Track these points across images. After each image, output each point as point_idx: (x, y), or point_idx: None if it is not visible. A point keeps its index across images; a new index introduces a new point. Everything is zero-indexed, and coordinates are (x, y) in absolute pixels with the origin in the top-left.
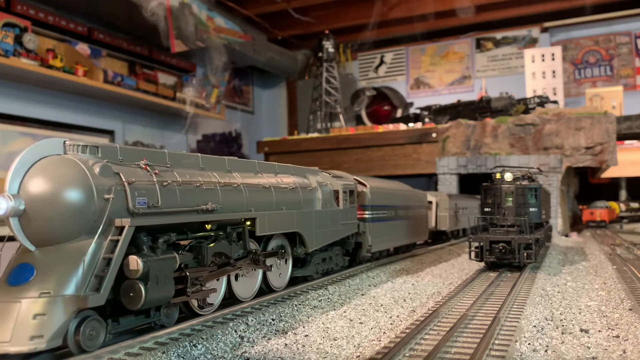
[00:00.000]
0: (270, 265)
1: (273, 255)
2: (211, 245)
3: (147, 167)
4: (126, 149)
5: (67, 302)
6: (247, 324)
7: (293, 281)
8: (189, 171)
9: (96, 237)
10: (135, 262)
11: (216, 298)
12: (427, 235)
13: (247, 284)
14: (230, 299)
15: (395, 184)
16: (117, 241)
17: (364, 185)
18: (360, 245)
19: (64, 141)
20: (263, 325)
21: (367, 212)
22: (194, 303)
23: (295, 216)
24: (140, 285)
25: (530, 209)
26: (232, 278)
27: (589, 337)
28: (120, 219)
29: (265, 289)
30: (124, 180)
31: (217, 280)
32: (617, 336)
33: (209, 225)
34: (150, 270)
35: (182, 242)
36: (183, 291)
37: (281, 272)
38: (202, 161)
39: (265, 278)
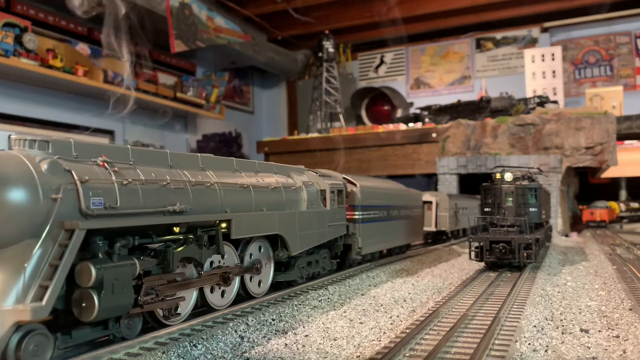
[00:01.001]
0: (250, 277)
1: (247, 271)
2: (179, 249)
3: (105, 165)
4: (82, 144)
5: (4, 316)
6: (247, 324)
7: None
8: (155, 169)
9: (40, 241)
10: (88, 269)
11: (186, 307)
12: (422, 236)
13: (219, 293)
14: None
15: (388, 183)
16: (67, 246)
17: (354, 184)
18: (350, 248)
19: (9, 135)
20: (263, 325)
21: (357, 213)
22: (160, 312)
23: (277, 217)
24: (93, 294)
25: (530, 209)
26: (205, 287)
27: (589, 337)
28: (70, 221)
29: (244, 295)
30: (75, 178)
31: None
32: (617, 336)
33: (177, 228)
34: (104, 278)
35: (151, 246)
36: (147, 300)
37: (261, 277)
38: (172, 158)
39: (243, 284)
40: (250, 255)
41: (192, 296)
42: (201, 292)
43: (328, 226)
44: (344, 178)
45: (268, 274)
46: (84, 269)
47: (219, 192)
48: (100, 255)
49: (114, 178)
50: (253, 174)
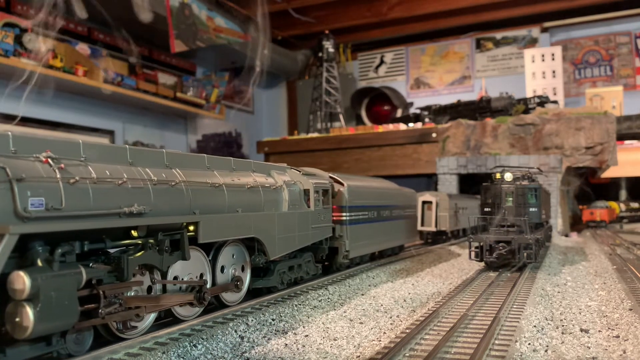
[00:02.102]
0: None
1: (225, 289)
2: (136, 255)
3: (49, 161)
4: (23, 137)
5: None
6: (247, 324)
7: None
8: (111, 167)
9: None
10: (20, 279)
11: (147, 319)
12: (416, 237)
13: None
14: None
15: (379, 182)
16: None
17: (341, 184)
18: (336, 251)
19: None
20: (263, 325)
21: (344, 214)
22: (114, 325)
23: (253, 219)
24: (27, 308)
25: (530, 209)
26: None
27: (589, 337)
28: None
29: (216, 303)
30: (9, 176)
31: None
32: (617, 336)
33: (136, 232)
34: (41, 289)
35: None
36: (110, 311)
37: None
38: (132, 155)
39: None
40: (222, 268)
41: None
42: None
43: (312, 228)
44: (331, 177)
45: (244, 280)
46: (15, 278)
47: (186, 191)
48: (39, 263)
49: (58, 176)
50: (228, 173)
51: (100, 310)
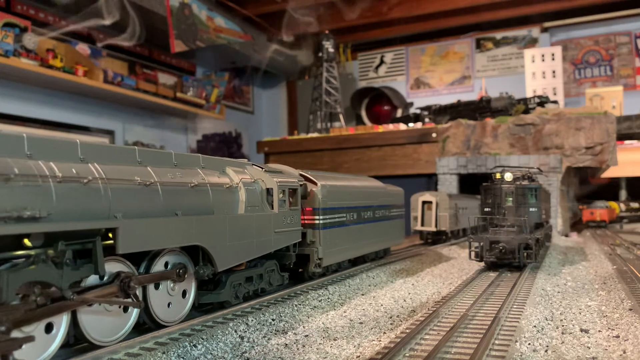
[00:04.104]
0: (140, 302)
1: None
2: (25, 269)
3: None
4: None
5: None
6: (247, 324)
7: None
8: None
9: None
10: None
11: (49, 346)
12: (403, 239)
13: (108, 321)
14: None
15: (360, 181)
16: None
17: (314, 183)
18: (308, 258)
19: None
20: (263, 325)
21: (317, 217)
22: None
23: (196, 224)
24: None
25: (530, 209)
26: (81, 314)
27: (589, 337)
28: None
29: (150, 324)
30: None
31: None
32: (617, 336)
33: (29, 241)
34: None
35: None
36: None
37: (173, 300)
38: (30, 146)
39: (147, 308)
40: (157, 283)
41: (60, 330)
42: (74, 325)
43: (275, 233)
44: (302, 175)
45: (187, 294)
46: None
47: (104, 191)
48: None
49: None
50: (167, 169)
51: None
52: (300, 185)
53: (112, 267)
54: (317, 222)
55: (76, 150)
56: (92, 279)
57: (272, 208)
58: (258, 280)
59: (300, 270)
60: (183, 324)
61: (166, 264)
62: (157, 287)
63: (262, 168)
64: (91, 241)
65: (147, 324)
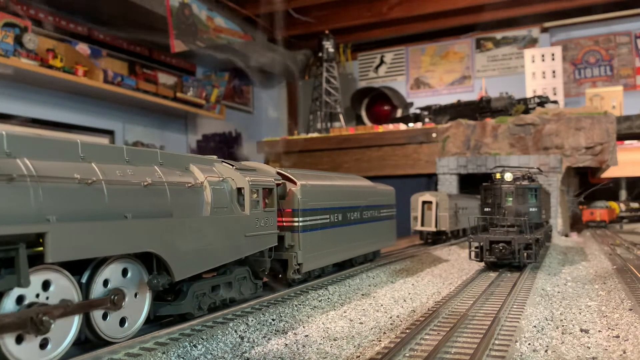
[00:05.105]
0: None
1: (89, 307)
2: None
3: None
4: None
5: None
6: (247, 324)
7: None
8: None
9: None
10: None
11: None
12: (394, 241)
13: (36, 340)
14: None
15: (346, 180)
16: None
17: (294, 182)
18: (286, 264)
19: None
20: (263, 325)
21: (297, 219)
22: None
23: (149, 228)
24: None
25: (530, 209)
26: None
27: (589, 337)
28: None
29: (94, 339)
30: None
31: None
32: (617, 336)
33: None
34: None
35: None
36: None
37: (125, 313)
38: None
39: (89, 323)
40: (106, 281)
41: None
42: None
43: (245, 237)
44: (280, 174)
45: (139, 307)
46: None
47: (33, 190)
48: None
49: None
50: (116, 165)
51: None
52: (278, 184)
53: (41, 277)
54: (296, 224)
55: (1, 144)
56: (10, 305)
57: (244, 210)
58: (226, 289)
59: (280, 276)
60: (183, 324)
61: (105, 282)
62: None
63: (233, 165)
64: (13, 248)
65: (90, 340)
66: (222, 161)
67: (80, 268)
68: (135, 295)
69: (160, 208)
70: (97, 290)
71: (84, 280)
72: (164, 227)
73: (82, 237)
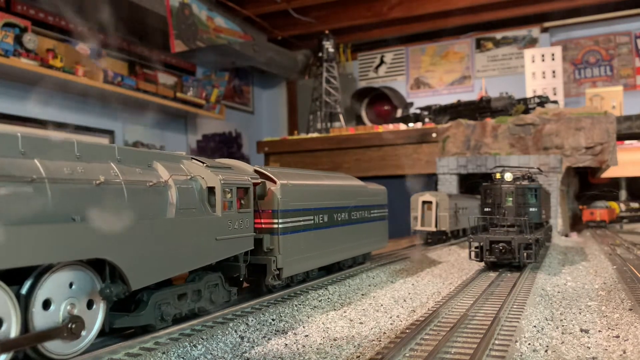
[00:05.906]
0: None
1: (43, 339)
2: None
3: None
4: None
5: None
6: (247, 324)
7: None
8: None
9: None
10: None
11: None
12: (386, 242)
13: None
14: None
15: (333, 179)
16: None
17: (273, 181)
18: (265, 269)
19: None
20: (263, 325)
21: (276, 221)
22: None
23: (101, 232)
24: None
25: (530, 209)
26: None
27: (589, 337)
28: None
29: (37, 357)
30: None
31: None
32: (617, 336)
33: None
34: None
35: None
36: None
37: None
38: None
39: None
40: (47, 303)
41: None
42: None
43: (216, 241)
44: (258, 172)
45: (92, 319)
46: None
47: None
48: None
49: None
50: (64, 162)
51: None
52: (256, 183)
53: None
54: (275, 226)
55: None
56: None
57: (215, 211)
58: (195, 298)
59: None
60: (183, 324)
61: (69, 284)
62: (46, 306)
63: (204, 163)
64: None
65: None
66: (192, 158)
67: (21, 278)
68: (89, 306)
69: (115, 209)
70: (38, 299)
71: (23, 291)
72: (118, 231)
73: (17, 243)
